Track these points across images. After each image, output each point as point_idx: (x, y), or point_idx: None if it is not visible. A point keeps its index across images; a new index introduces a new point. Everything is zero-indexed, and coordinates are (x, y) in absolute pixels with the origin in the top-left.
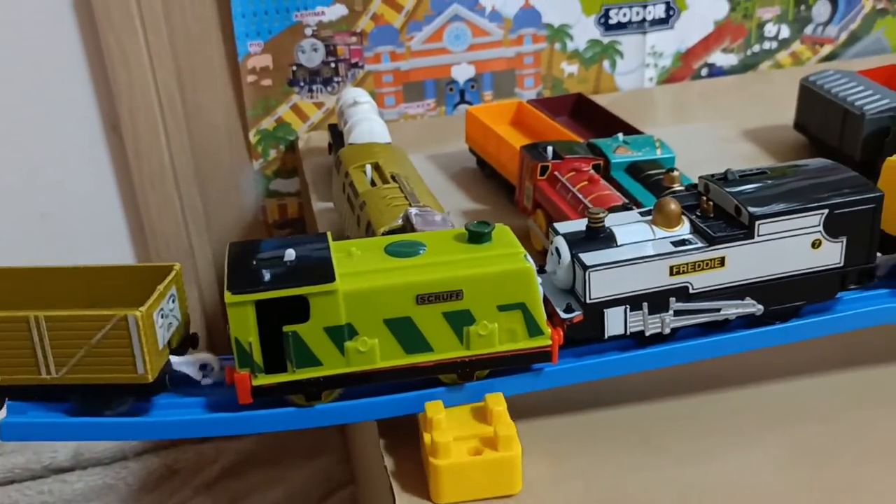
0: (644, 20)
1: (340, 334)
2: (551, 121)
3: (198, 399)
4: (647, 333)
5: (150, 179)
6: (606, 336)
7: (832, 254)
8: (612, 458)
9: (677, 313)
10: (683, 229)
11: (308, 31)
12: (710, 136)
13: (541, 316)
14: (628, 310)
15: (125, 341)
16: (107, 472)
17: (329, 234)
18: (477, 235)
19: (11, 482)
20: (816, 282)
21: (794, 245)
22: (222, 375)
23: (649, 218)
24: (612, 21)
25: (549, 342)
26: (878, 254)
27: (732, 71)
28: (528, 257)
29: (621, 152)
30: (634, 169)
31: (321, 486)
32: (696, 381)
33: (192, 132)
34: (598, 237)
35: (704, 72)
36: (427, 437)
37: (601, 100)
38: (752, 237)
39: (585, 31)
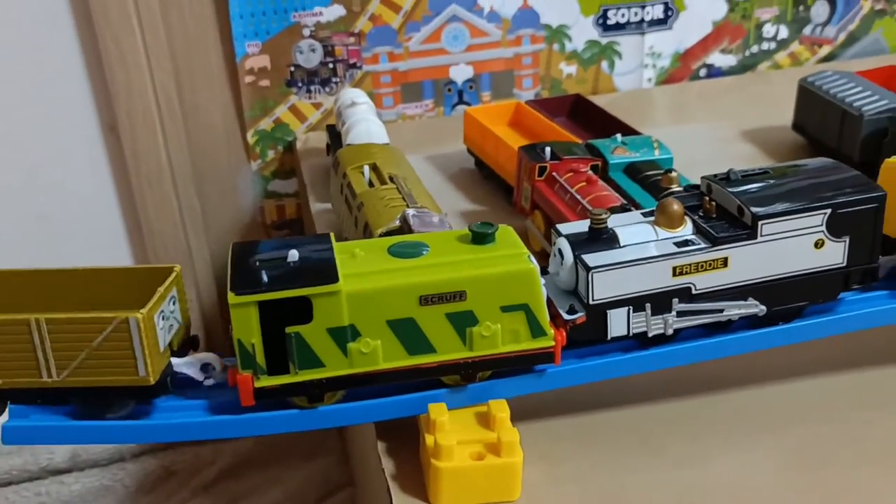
0: (642, 21)
1: (343, 335)
2: (549, 121)
3: (199, 401)
4: (650, 334)
5: (147, 180)
6: (609, 337)
7: (835, 254)
8: (611, 461)
9: (680, 314)
10: (686, 230)
11: (306, 32)
12: (709, 136)
13: (544, 317)
14: (631, 311)
15: (126, 343)
16: (104, 474)
17: (332, 234)
18: (480, 236)
19: (9, 484)
20: (819, 282)
21: (796, 245)
22: (224, 375)
23: (652, 219)
24: (611, 22)
25: (552, 343)
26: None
27: (731, 71)
28: (532, 258)
29: (619, 153)
30: (632, 170)
31: (319, 488)
32: (695, 382)
33: (189, 133)
34: (601, 238)
35: (703, 72)
36: (430, 440)
37: (599, 100)
38: (755, 237)
39: (584, 31)
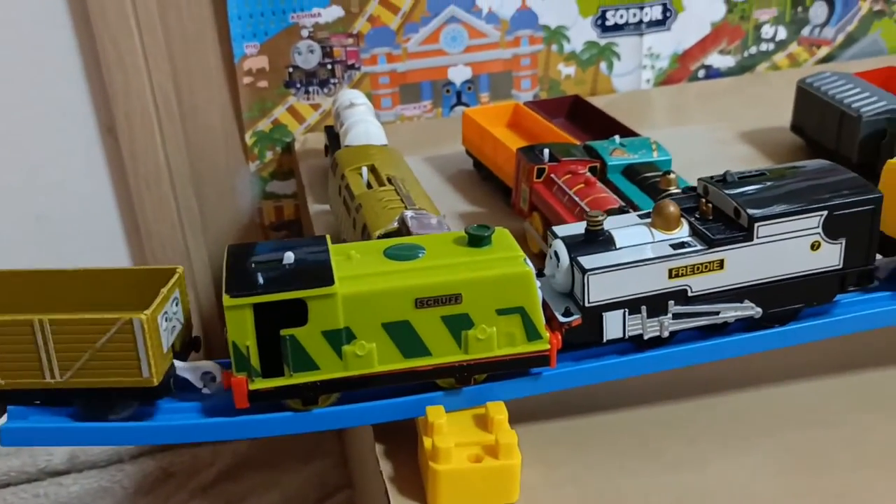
0: (641, 22)
1: (338, 338)
2: (548, 123)
3: (196, 404)
4: (646, 337)
5: (145, 181)
6: (605, 340)
7: (831, 256)
8: (609, 463)
9: (676, 316)
10: (682, 232)
11: (304, 33)
12: (707, 137)
13: (539, 320)
14: (627, 313)
15: (130, 345)
16: (102, 475)
17: (328, 237)
18: (476, 239)
19: (7, 485)
20: (815, 284)
21: (793, 247)
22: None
23: (648, 220)
24: (609, 23)
25: (548, 346)
26: (879, 256)
27: (729, 73)
28: (528, 261)
29: (618, 155)
30: (631, 171)
31: (317, 490)
32: (693, 384)
33: (187, 134)
34: (597, 240)
35: (701, 73)
36: (427, 442)
37: (598, 101)
38: (752, 239)
39: (582, 32)
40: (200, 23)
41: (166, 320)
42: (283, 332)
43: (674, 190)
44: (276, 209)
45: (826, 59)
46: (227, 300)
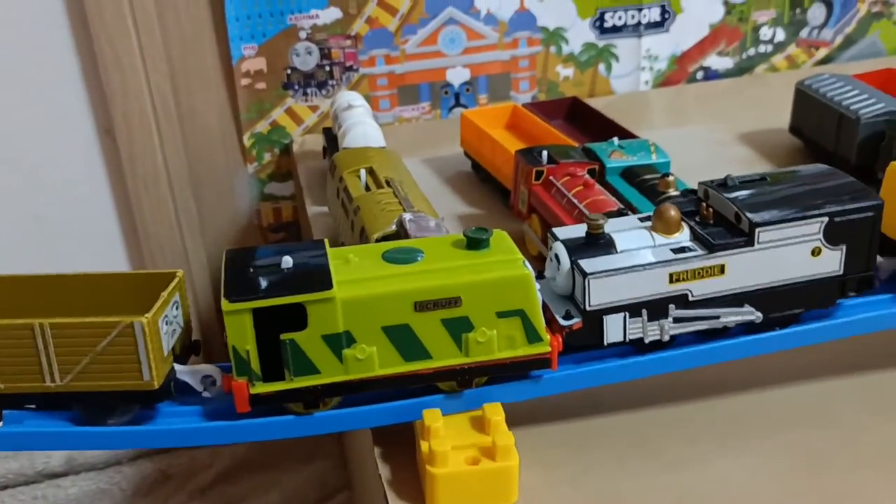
0: (639, 23)
1: (338, 342)
2: (546, 124)
3: (197, 407)
4: (647, 340)
5: (143, 182)
6: (606, 343)
7: (831, 261)
8: (608, 464)
9: (676, 320)
10: (683, 236)
11: (302, 35)
12: (706, 139)
13: (540, 323)
14: (627, 317)
15: (131, 348)
16: (100, 477)
17: (326, 240)
18: (475, 242)
19: (5, 487)
20: (815, 289)
21: (793, 253)
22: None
23: (649, 224)
24: (608, 24)
25: (549, 349)
26: (879, 258)
27: (728, 74)
28: (527, 264)
29: (616, 157)
30: (629, 173)
31: (316, 491)
32: (692, 386)
33: (185, 135)
34: (598, 243)
35: (700, 75)
36: (424, 446)
37: (596, 103)
38: (753, 244)
39: (580, 34)
40: (198, 24)
41: (167, 324)
42: (283, 336)
43: (672, 192)
44: (275, 211)
45: (824, 61)
46: (226, 305)
